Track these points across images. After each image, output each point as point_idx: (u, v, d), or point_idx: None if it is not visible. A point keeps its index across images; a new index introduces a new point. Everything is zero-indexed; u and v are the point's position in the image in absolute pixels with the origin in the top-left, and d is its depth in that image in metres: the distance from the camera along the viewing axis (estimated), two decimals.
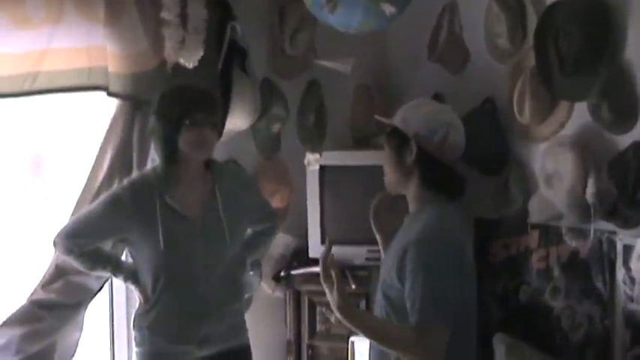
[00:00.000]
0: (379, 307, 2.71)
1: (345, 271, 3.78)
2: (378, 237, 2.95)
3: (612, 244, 3.10)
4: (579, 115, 3.21)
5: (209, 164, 3.12)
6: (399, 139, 2.67)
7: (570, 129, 3.27)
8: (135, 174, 3.26)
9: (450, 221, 2.64)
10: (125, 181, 3.14)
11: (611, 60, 3.04)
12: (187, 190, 3.06)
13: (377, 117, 2.85)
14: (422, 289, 2.49)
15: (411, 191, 2.70)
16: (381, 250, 2.95)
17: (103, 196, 3.13)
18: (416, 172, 2.65)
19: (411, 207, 2.72)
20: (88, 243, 3.07)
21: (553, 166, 3.22)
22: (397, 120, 2.69)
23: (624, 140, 3.02)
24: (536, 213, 3.38)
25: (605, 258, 3.13)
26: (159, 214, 2.99)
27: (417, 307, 2.49)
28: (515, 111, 3.36)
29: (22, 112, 3.26)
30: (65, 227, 3.08)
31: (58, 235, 3.06)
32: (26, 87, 3.09)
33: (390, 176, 2.74)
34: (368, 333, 2.61)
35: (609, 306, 3.12)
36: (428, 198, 2.67)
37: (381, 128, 3.84)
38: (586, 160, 3.12)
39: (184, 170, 3.04)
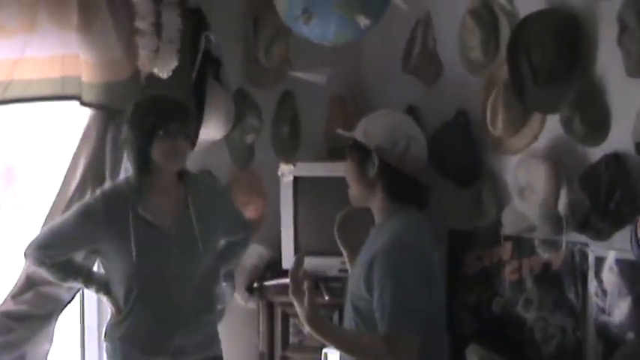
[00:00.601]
0: (349, 319, 2.71)
1: (319, 282, 3.77)
2: (343, 251, 2.95)
3: (584, 256, 3.12)
4: (552, 127, 3.23)
5: (182, 175, 3.11)
6: (360, 152, 2.67)
7: (543, 141, 3.29)
8: (107, 184, 3.24)
9: (416, 231, 2.64)
10: (97, 192, 3.12)
11: (583, 72, 3.07)
12: (160, 201, 3.04)
13: (338, 130, 2.85)
14: (390, 298, 2.49)
15: (375, 203, 2.71)
16: (347, 264, 2.95)
17: (74, 207, 3.11)
18: (379, 185, 2.66)
19: (377, 219, 2.73)
20: (59, 254, 3.04)
21: (526, 178, 3.23)
22: (358, 133, 2.69)
23: (596, 152, 3.05)
24: (509, 225, 3.40)
25: (577, 270, 3.15)
26: (131, 225, 2.97)
27: (386, 316, 2.49)
28: (488, 123, 3.38)
29: None
30: (36, 238, 3.05)
31: (29, 246, 3.03)
32: None
33: (354, 189, 2.74)
34: (338, 345, 2.61)
35: (581, 318, 3.14)
36: (394, 209, 2.67)
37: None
38: (558, 172, 3.14)
39: (157, 181, 3.03)
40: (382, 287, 2.52)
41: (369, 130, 2.67)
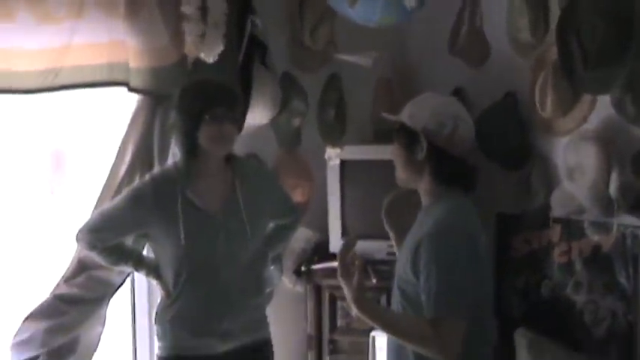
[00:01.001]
0: (396, 303, 2.71)
1: (367, 265, 3.77)
2: (390, 234, 2.95)
3: (636, 239, 3.08)
4: (602, 108, 3.18)
5: (230, 159, 3.12)
6: (408, 136, 2.66)
7: (593, 122, 3.24)
8: (156, 169, 3.27)
9: (462, 215, 2.64)
10: (147, 176, 3.14)
11: (635, 53, 3.01)
12: (208, 185, 3.06)
13: (383, 114, 2.84)
14: (436, 282, 2.49)
15: (423, 186, 2.70)
16: (395, 247, 2.96)
17: (124, 192, 3.14)
18: (427, 168, 2.65)
19: (424, 201, 2.72)
20: (110, 238, 3.08)
21: (576, 160, 3.20)
22: (404, 116, 2.68)
23: None
24: (558, 207, 3.36)
25: (628, 252, 3.11)
26: (180, 209, 2.99)
27: (432, 300, 2.49)
28: (537, 105, 3.34)
29: (44, 107, 3.28)
30: (88, 222, 3.09)
31: (81, 230, 3.07)
32: (48, 82, 3.11)
33: (401, 172, 2.74)
34: (385, 327, 2.61)
35: (633, 301, 3.10)
36: (440, 192, 2.66)
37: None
38: (609, 154, 3.09)
39: (205, 165, 3.05)
40: (429, 270, 2.51)
41: (415, 112, 2.66)
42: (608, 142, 3.13)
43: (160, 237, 3.06)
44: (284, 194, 3.39)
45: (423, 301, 2.52)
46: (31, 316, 3.21)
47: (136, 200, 3.04)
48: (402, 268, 2.66)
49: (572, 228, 3.35)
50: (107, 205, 3.17)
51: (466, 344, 2.48)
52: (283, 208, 3.33)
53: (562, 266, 3.40)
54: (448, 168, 2.64)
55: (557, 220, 3.41)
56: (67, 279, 3.27)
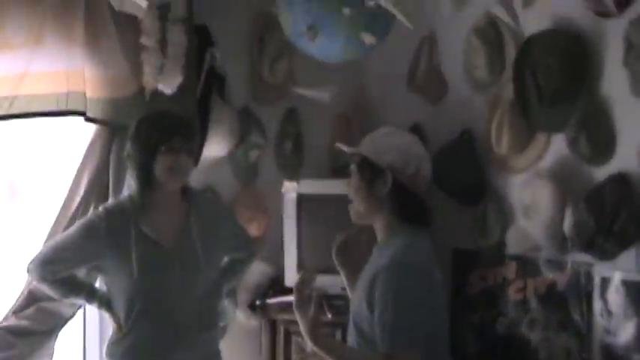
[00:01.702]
0: (351, 339, 2.69)
1: (322, 300, 3.75)
2: (342, 273, 2.94)
3: (590, 277, 3.10)
4: (557, 146, 3.23)
5: (185, 191, 3.10)
6: (370, 170, 2.66)
7: (548, 161, 3.28)
8: (110, 200, 3.23)
9: (417, 249, 2.64)
10: (100, 208, 3.11)
11: (589, 92, 3.06)
12: (163, 218, 3.04)
13: (338, 144, 2.84)
14: (391, 316, 2.49)
15: (380, 221, 2.70)
16: (346, 285, 2.95)
17: (77, 223, 3.10)
18: (387, 203, 2.66)
19: (380, 236, 2.72)
20: (61, 270, 3.03)
21: (531, 198, 3.23)
22: (367, 150, 2.69)
23: (602, 172, 3.03)
24: (513, 244, 3.39)
25: (582, 290, 3.13)
26: (133, 242, 2.96)
27: (387, 334, 2.48)
28: (493, 142, 3.37)
29: None
30: (39, 254, 3.04)
31: (32, 261, 3.02)
32: (3, 110, 3.07)
33: (358, 206, 2.73)
34: None
35: (587, 338, 3.12)
36: (397, 227, 2.67)
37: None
38: (564, 192, 3.13)
39: (160, 197, 3.03)
40: (383, 304, 2.51)
41: (380, 148, 2.67)
42: (562, 180, 3.16)
43: (112, 269, 3.02)
44: (239, 227, 3.37)
45: (377, 335, 2.51)
46: None
47: (89, 232, 3.01)
48: (357, 303, 2.65)
49: (527, 265, 3.37)
50: (59, 236, 3.12)
51: None
52: (238, 241, 3.31)
53: (517, 303, 3.41)
54: (408, 204, 2.66)
55: (512, 257, 3.43)
56: (16, 311, 3.21)
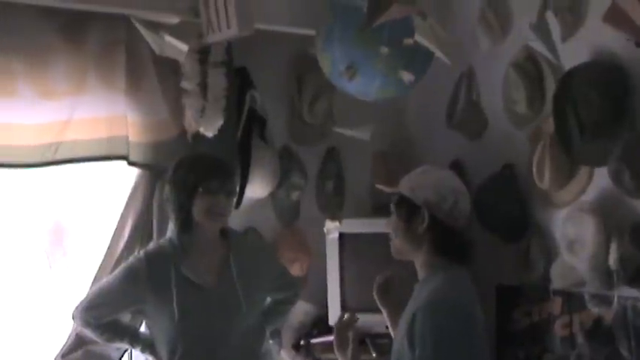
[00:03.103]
0: None
1: (365, 338, 3.74)
2: (383, 310, 2.96)
3: (637, 311, 3.06)
4: (600, 180, 3.20)
5: (225, 233, 3.11)
6: (408, 208, 2.68)
7: (591, 194, 3.25)
8: (150, 245, 3.25)
9: (458, 287, 2.63)
10: (141, 252, 3.13)
11: (631, 124, 3.04)
12: (203, 260, 3.05)
13: (378, 185, 2.86)
14: (430, 354, 2.47)
15: (420, 258, 2.70)
16: (389, 325, 2.96)
17: (119, 268, 3.13)
18: (426, 240, 2.66)
19: (421, 273, 2.72)
20: (104, 315, 3.06)
21: (575, 232, 3.20)
22: (404, 188, 2.71)
23: None
24: (558, 279, 3.35)
25: (630, 325, 3.08)
26: (174, 285, 2.98)
27: None
28: (535, 177, 3.35)
29: (44, 180, 3.28)
30: (83, 300, 3.08)
31: (76, 308, 3.06)
32: (48, 157, 3.13)
33: (398, 244, 2.74)
34: None
35: None
36: (438, 264, 2.67)
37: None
38: (608, 226, 3.09)
39: (200, 239, 3.05)
40: (423, 343, 2.49)
41: (416, 185, 2.69)
42: (606, 214, 3.13)
43: (154, 313, 3.04)
44: (281, 268, 3.38)
45: None
46: None
47: (130, 277, 3.03)
48: (399, 342, 2.64)
49: (572, 300, 3.33)
50: (102, 282, 3.15)
51: None
52: (281, 282, 3.31)
53: (564, 339, 3.37)
54: (447, 241, 2.65)
55: (557, 293, 3.39)
56: (65, 354, 3.24)
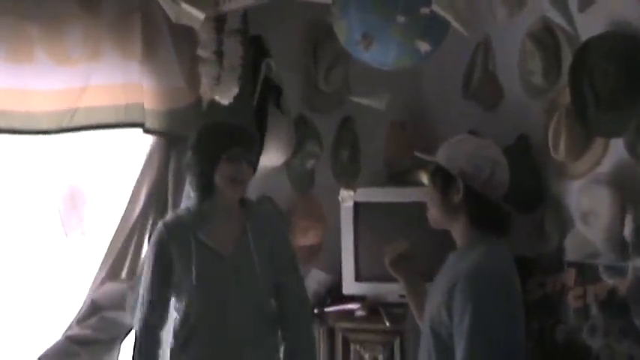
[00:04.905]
0: (426, 346, 2.65)
1: (379, 308, 3.76)
2: (399, 279, 2.94)
3: None
4: (615, 151, 3.18)
5: (243, 201, 3.12)
6: (444, 178, 2.63)
7: (607, 165, 3.23)
8: (168, 215, 3.26)
9: (498, 257, 2.60)
10: (159, 223, 3.13)
11: None
12: (221, 227, 3.06)
13: (417, 153, 2.82)
14: (469, 324, 2.44)
15: (457, 229, 2.67)
16: (406, 292, 2.95)
17: (146, 256, 3.12)
18: (463, 210, 2.62)
19: (459, 242, 2.68)
20: (160, 306, 3.05)
21: (589, 204, 3.19)
22: (441, 158, 2.66)
23: None
24: (572, 251, 3.35)
25: None
26: (194, 251, 2.99)
27: (465, 342, 2.44)
28: (550, 148, 3.34)
29: (60, 146, 3.30)
30: (135, 309, 3.09)
31: (136, 322, 3.07)
32: (64, 123, 3.14)
33: (435, 214, 2.70)
34: None
35: None
36: (476, 235, 2.63)
37: (416, 164, 3.88)
38: (623, 197, 3.08)
39: (219, 206, 3.05)
40: (463, 312, 2.47)
41: (452, 155, 2.63)
42: (621, 185, 3.12)
43: (179, 283, 3.03)
44: (291, 249, 3.29)
45: (455, 342, 2.48)
46: (43, 358, 3.20)
47: (156, 250, 3.03)
48: (435, 310, 2.59)
49: (586, 272, 3.33)
50: (141, 281, 3.12)
51: None
52: (287, 264, 3.22)
53: (577, 310, 3.37)
54: (484, 212, 2.62)
55: (571, 264, 3.39)
56: (80, 320, 3.27)
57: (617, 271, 3.18)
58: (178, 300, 3.06)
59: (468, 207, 2.61)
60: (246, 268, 3.04)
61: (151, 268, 3.04)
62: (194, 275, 2.97)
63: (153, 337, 3.04)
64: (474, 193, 2.59)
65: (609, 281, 3.23)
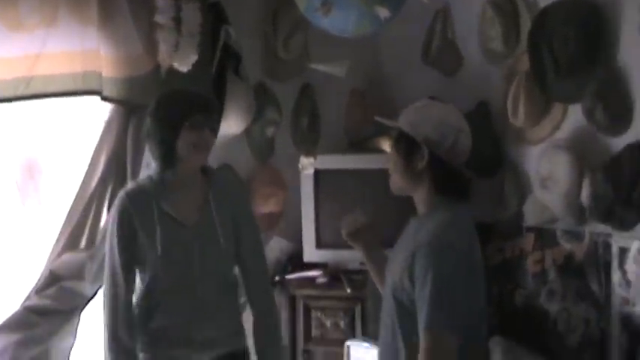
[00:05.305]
0: (388, 311, 2.68)
1: (340, 275, 3.78)
2: (360, 251, 2.96)
3: (608, 247, 3.10)
4: (574, 117, 3.21)
5: (205, 170, 3.11)
6: (407, 144, 2.63)
7: (565, 131, 3.27)
8: (129, 184, 3.23)
9: (459, 227, 2.61)
10: (121, 192, 3.07)
11: (605, 62, 3.04)
12: (183, 196, 3.03)
13: (378, 118, 2.81)
14: (430, 292, 2.46)
15: (419, 195, 2.67)
16: (365, 259, 2.96)
17: (109, 231, 3.06)
18: (426, 177, 2.63)
19: (420, 209, 2.70)
20: (128, 273, 3.02)
21: (548, 169, 3.22)
22: (404, 124, 2.65)
23: (619, 142, 3.02)
24: (531, 216, 3.39)
25: (600, 260, 3.13)
26: (157, 221, 2.97)
27: (427, 309, 2.46)
28: (510, 114, 3.37)
29: (16, 115, 3.25)
30: (106, 288, 3.03)
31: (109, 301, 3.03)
32: (20, 91, 3.08)
33: (397, 181, 2.70)
34: None
35: (605, 309, 3.12)
36: (437, 202, 2.64)
37: (376, 132, 3.89)
38: (581, 162, 3.12)
39: (180, 175, 3.02)
40: (423, 281, 2.49)
41: (416, 121, 2.63)
42: (579, 150, 3.15)
43: (142, 252, 3.01)
44: (252, 219, 3.26)
45: (417, 308, 2.50)
46: (1, 329, 3.16)
47: (120, 218, 2.98)
48: (397, 278, 2.61)
49: (545, 236, 3.37)
50: (106, 260, 3.06)
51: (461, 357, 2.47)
52: (247, 232, 3.16)
53: (535, 275, 3.42)
54: (447, 178, 2.62)
55: (530, 229, 3.43)
56: (38, 290, 3.23)
57: (575, 236, 3.23)
58: (142, 270, 3.04)
59: (432, 173, 2.61)
60: (210, 237, 3.02)
61: (115, 239, 3.01)
62: (159, 245, 2.95)
63: (126, 307, 3.02)
64: (438, 160, 2.59)
65: (567, 246, 3.28)
